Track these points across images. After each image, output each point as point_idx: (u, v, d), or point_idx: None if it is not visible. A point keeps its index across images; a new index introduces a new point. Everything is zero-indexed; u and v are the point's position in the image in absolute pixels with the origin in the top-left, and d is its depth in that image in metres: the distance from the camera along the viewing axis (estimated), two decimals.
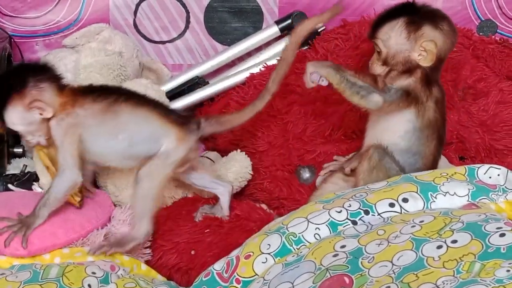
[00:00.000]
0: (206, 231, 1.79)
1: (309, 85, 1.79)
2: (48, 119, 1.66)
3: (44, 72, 1.68)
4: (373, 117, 1.82)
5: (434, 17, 1.75)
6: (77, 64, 2.05)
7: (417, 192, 1.48)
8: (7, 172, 2.04)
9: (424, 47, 1.72)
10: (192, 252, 1.76)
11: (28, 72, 1.66)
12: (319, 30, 2.25)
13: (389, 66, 1.75)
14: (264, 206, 1.98)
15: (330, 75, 1.75)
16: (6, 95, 1.63)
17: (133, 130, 1.70)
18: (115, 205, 1.83)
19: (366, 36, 1.98)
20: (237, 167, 1.99)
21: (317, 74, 1.76)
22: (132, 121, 1.70)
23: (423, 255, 1.26)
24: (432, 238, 1.29)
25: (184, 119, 1.75)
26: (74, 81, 2.02)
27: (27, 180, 1.92)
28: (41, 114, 1.65)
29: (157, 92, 1.98)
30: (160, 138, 1.70)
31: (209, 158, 2.10)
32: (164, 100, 2.01)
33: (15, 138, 2.17)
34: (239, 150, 2.05)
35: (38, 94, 1.64)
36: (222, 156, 2.12)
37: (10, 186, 1.94)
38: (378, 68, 1.77)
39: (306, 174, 2.07)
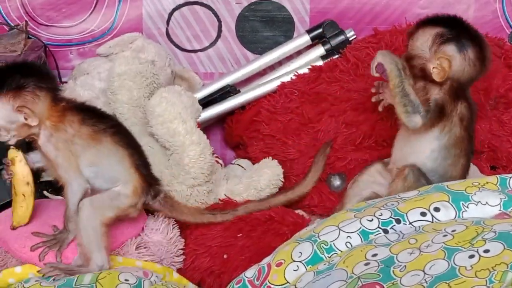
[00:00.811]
0: (238, 235, 1.81)
1: (373, 73, 1.78)
2: (30, 126, 1.62)
3: (45, 80, 1.65)
4: (402, 134, 1.83)
5: (466, 40, 1.74)
6: (111, 72, 2.07)
7: (448, 202, 1.47)
8: (42, 179, 2.06)
9: (440, 62, 1.72)
10: (225, 256, 1.77)
11: (31, 74, 1.63)
12: (350, 39, 2.26)
13: (408, 64, 1.76)
14: (300, 212, 1.99)
15: (392, 74, 1.74)
16: (1, 88, 1.60)
17: (105, 165, 1.67)
18: (147, 214, 1.84)
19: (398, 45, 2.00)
20: (269, 174, 2.01)
21: (382, 66, 1.76)
22: (109, 157, 1.67)
23: (455, 264, 1.26)
24: (464, 248, 1.29)
25: (149, 180, 1.72)
26: (108, 89, 2.05)
27: (62, 186, 1.93)
28: (26, 119, 1.61)
29: (190, 99, 1.99)
30: (120, 182, 1.68)
31: (240, 166, 2.11)
32: (197, 107, 2.03)
33: None
34: (270, 158, 2.06)
35: (31, 102, 1.61)
36: (253, 164, 2.13)
37: (45, 193, 1.97)
38: None
39: (336, 182, 2.07)
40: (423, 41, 1.75)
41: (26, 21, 2.26)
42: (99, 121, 1.67)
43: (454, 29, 1.74)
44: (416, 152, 1.78)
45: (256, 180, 1.99)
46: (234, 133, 2.30)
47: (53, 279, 1.59)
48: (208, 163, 1.93)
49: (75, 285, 1.54)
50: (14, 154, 1.66)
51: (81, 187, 1.65)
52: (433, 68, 1.73)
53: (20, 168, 1.67)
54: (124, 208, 1.68)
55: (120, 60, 2.08)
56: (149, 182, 1.72)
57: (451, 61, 1.72)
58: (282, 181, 2.03)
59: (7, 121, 1.62)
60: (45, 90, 1.63)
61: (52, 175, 1.71)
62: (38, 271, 1.62)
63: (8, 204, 1.80)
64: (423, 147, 1.77)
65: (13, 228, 1.71)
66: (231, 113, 2.32)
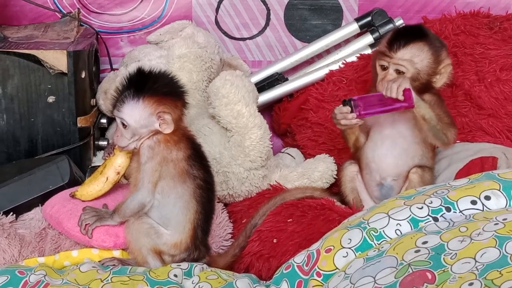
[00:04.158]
0: (288, 220, 1.81)
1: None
2: (155, 132, 1.61)
3: (180, 94, 1.63)
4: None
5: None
6: (171, 53, 2.09)
7: (499, 190, 1.46)
8: (93, 164, 2.10)
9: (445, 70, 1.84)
10: (274, 241, 1.78)
11: (169, 85, 1.62)
12: (399, 28, 2.25)
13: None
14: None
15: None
16: (145, 91, 1.58)
17: (170, 203, 1.64)
18: None
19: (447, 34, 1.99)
20: (324, 167, 2.01)
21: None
22: (179, 199, 1.63)
23: (506, 252, 1.26)
24: None
25: (198, 244, 1.66)
26: (167, 71, 2.06)
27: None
28: (160, 126, 1.59)
29: (251, 84, 1.99)
30: (170, 227, 1.65)
31: (289, 154, 2.12)
32: (256, 92, 2.01)
33: (101, 131, 2.23)
34: (327, 155, 2.07)
35: (173, 110, 1.59)
36: (302, 152, 2.14)
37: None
38: None
39: None
40: (424, 57, 1.81)
41: (78, 8, 2.29)
42: (198, 167, 1.64)
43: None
44: None
45: (312, 170, 2.00)
46: (281, 121, 2.31)
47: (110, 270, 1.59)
48: (266, 147, 1.95)
49: (129, 272, 1.57)
50: None
51: (145, 200, 1.62)
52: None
53: (123, 158, 1.68)
54: (160, 249, 1.65)
55: (180, 42, 2.10)
56: (197, 245, 1.67)
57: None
58: (334, 178, 2.03)
59: (140, 125, 1.59)
60: (181, 103, 1.62)
61: (129, 174, 1.70)
62: (99, 261, 1.63)
63: (58, 189, 1.84)
64: None
65: (72, 195, 1.74)
66: (279, 101, 2.34)
